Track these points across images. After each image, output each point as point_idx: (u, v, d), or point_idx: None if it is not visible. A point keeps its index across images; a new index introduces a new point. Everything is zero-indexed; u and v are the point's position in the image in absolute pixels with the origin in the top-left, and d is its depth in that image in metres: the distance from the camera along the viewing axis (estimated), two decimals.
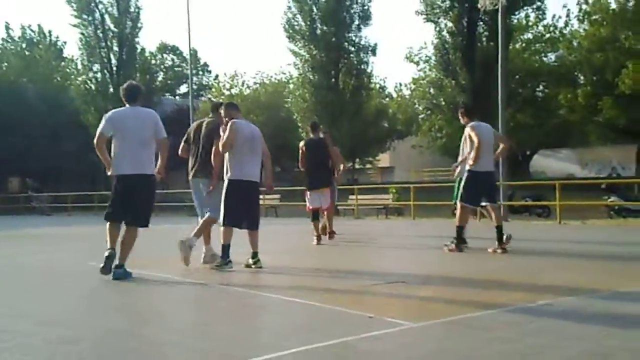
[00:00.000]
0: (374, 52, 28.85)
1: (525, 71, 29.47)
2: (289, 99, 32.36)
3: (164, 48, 55.11)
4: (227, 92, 41.99)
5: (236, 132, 5.98)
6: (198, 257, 6.45)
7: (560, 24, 30.56)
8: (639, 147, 25.51)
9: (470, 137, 7.24)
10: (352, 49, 28.65)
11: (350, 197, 20.47)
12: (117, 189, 5.69)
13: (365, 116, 30.43)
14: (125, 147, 5.66)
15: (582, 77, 26.90)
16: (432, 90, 29.73)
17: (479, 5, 8.55)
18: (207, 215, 6.42)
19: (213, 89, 46.41)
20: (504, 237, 7.24)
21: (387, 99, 40.09)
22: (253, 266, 6.11)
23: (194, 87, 48.34)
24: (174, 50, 55.87)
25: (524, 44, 30.74)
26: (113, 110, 5.92)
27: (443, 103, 26.14)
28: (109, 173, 5.82)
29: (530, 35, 31.00)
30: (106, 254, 5.43)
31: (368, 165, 39.60)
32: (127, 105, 5.84)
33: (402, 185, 23.25)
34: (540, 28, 30.66)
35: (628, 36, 23.38)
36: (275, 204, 22.62)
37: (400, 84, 43.79)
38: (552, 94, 28.61)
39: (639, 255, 7.24)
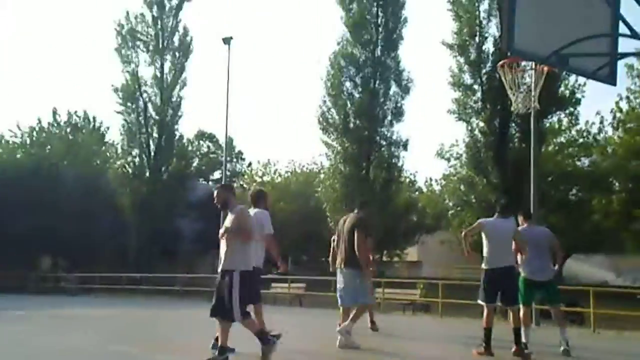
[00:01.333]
0: (405, 147, 29.35)
1: (559, 174, 29.46)
2: (320, 189, 32.80)
3: (201, 135, 57.07)
4: (259, 179, 42.76)
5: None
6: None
7: (594, 129, 30.74)
8: None
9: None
10: (384, 143, 29.22)
11: (377, 290, 20.08)
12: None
13: (394, 209, 30.46)
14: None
15: (617, 184, 26.74)
16: (462, 187, 29.80)
17: (512, 109, 8.78)
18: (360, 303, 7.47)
19: (246, 176, 47.36)
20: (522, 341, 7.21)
21: (417, 193, 40.29)
22: None
23: (228, 173, 49.58)
24: (211, 137, 57.79)
25: (556, 147, 30.94)
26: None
27: (474, 200, 26.13)
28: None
29: (563, 139, 31.26)
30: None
31: (395, 259, 39.14)
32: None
33: (430, 281, 22.83)
34: (573, 132, 30.96)
35: None
36: (301, 292, 22.34)
37: (431, 179, 44.02)
38: (586, 199, 28.38)
39: None
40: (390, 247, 34.94)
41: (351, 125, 28.89)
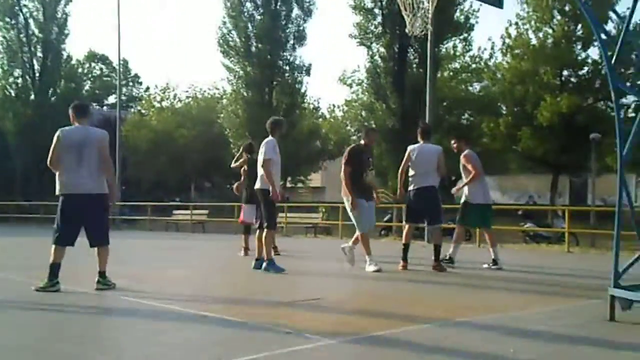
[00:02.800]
0: (308, 72, 29.10)
1: (452, 99, 30.59)
2: (222, 115, 32.05)
3: (92, 57, 53.45)
4: (157, 105, 41.16)
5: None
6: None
7: (486, 55, 31.93)
8: (554, 177, 26.92)
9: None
10: (287, 67, 28.77)
11: (280, 214, 20.37)
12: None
13: (298, 135, 30.49)
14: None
15: (504, 108, 28.21)
16: (363, 113, 30.27)
17: (407, 31, 8.81)
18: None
19: (144, 101, 45.39)
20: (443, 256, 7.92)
21: (320, 119, 40.51)
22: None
23: (123, 98, 47.17)
24: (104, 59, 54.35)
25: (451, 73, 31.94)
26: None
27: (374, 125, 26.66)
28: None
29: (457, 65, 32.28)
30: None
31: (300, 185, 39.74)
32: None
33: (332, 205, 23.43)
34: (467, 59, 32.02)
35: (547, 71, 24.78)
36: (204, 219, 22.20)
37: (334, 105, 44.35)
38: (476, 122, 29.81)
39: (541, 280, 7.58)
40: (294, 173, 35.31)
41: (253, 48, 28.07)
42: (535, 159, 27.19)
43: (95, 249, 5.52)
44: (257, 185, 7.39)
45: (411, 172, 7.76)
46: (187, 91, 43.90)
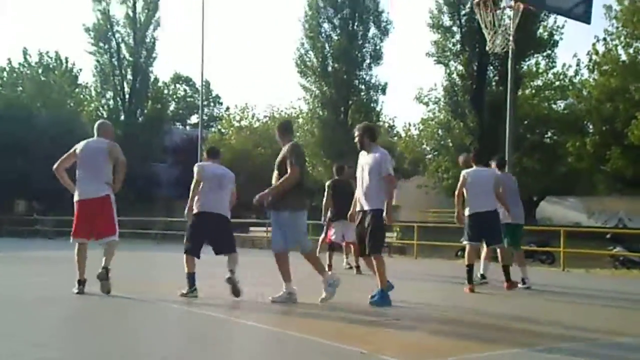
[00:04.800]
0: (383, 91, 29.13)
1: (534, 117, 29.62)
2: (298, 133, 32.61)
3: (177, 78, 55.97)
4: (236, 124, 42.38)
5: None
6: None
7: (570, 72, 30.76)
8: None
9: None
10: (362, 87, 28.93)
11: None
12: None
13: None
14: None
15: (591, 126, 27.01)
16: (440, 132, 29.88)
17: (487, 48, 8.68)
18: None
19: (223, 120, 46.86)
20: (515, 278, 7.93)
21: (396, 138, 40.33)
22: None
23: (205, 117, 48.97)
24: (187, 81, 56.74)
25: (533, 91, 30.98)
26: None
27: (450, 144, 26.23)
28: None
29: (540, 82, 31.28)
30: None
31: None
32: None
33: (406, 224, 23.16)
34: (550, 75, 30.98)
35: (638, 88, 23.54)
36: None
37: (409, 124, 44.00)
38: (561, 142, 28.69)
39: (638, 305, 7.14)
40: None
41: (329, 68, 28.48)
42: (625, 180, 25.79)
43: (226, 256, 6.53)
44: (368, 206, 6.21)
45: (466, 197, 7.82)
46: (265, 110, 45.02)
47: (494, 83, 23.33)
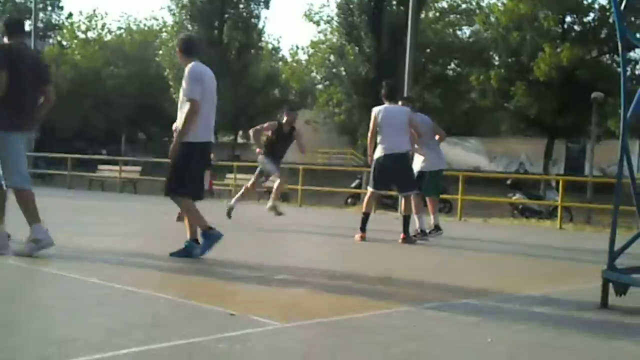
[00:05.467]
0: (266, 5, 28.68)
1: (437, 45, 30.69)
2: (161, 51, 31.38)
3: None
4: (82, 35, 40.03)
5: None
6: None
7: None
8: (548, 141, 27.44)
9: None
10: None
11: (229, 175, 20.33)
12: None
13: (252, 81, 30.25)
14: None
15: (497, 58, 28.46)
16: (332, 58, 30.13)
17: None
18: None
19: (64, 30, 44.04)
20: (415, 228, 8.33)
21: (280, 63, 40.17)
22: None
23: (40, 25, 45.55)
24: None
25: (437, 14, 31.97)
26: (195, 66, 5.90)
27: (344, 73, 26.57)
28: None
29: (445, 4, 32.31)
30: None
31: (253, 141, 39.51)
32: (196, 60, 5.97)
33: (290, 166, 23.42)
34: None
35: (547, 16, 25.00)
36: (135, 177, 21.94)
37: (297, 47, 43.96)
38: (464, 75, 30.04)
39: (527, 261, 7.81)
40: (247, 126, 35.09)
41: None
42: (528, 120, 27.67)
43: None
44: None
45: (379, 137, 8.11)
46: (119, 21, 42.86)
47: (394, 2, 23.74)
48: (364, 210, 8.32)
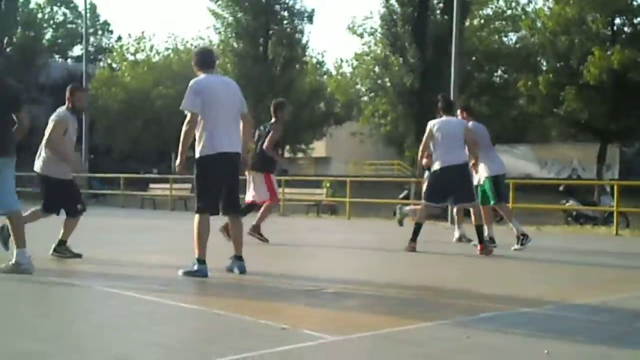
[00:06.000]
0: (310, 20, 28.89)
1: (483, 52, 30.38)
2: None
3: (54, 0, 53.04)
4: (131, 57, 40.98)
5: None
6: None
7: (523, 0, 31.62)
8: (601, 146, 26.79)
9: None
10: (285, 13, 28.56)
11: (278, 190, 20.42)
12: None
13: (297, 95, 30.42)
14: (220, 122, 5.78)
15: (544, 63, 28.01)
16: (376, 69, 30.13)
17: None
18: None
19: (114, 53, 45.20)
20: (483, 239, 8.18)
21: (325, 76, 40.35)
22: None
23: (91, 49, 46.97)
24: (67, 3, 53.91)
25: (482, 20, 31.67)
26: (198, 79, 5.86)
27: (389, 84, 26.54)
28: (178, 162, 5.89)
29: (489, 11, 31.99)
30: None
31: (300, 155, 39.79)
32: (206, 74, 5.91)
33: (337, 179, 23.46)
34: (501, 3, 31.74)
35: (596, 19, 24.52)
36: (186, 194, 22.27)
37: (341, 60, 44.10)
38: (511, 81, 29.65)
39: (582, 269, 7.61)
40: (294, 141, 35.31)
41: None
42: (580, 125, 27.08)
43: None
44: None
45: (436, 150, 8.12)
46: (166, 42, 43.79)
47: (438, 11, 23.63)
48: (416, 220, 8.34)
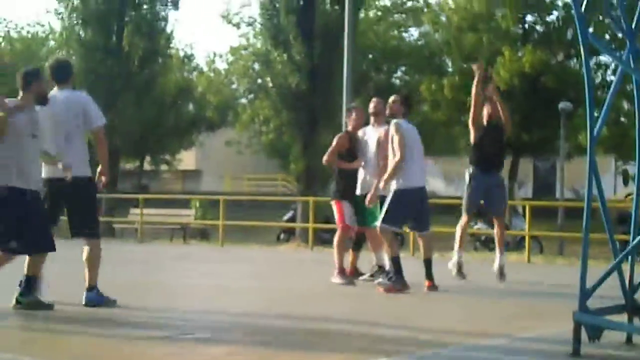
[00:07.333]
0: (175, 5, 28.55)
1: (381, 50, 31.17)
2: (47, 62, 30.83)
3: None
4: None
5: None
6: None
7: None
8: (513, 160, 27.92)
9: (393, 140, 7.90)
10: None
11: (133, 211, 19.98)
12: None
13: (160, 95, 29.94)
14: None
15: (450, 64, 29.06)
16: (256, 66, 30.19)
17: None
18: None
19: None
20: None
21: (194, 72, 39.99)
22: None
23: None
24: None
25: (379, 12, 32.49)
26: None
27: (271, 85, 26.62)
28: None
29: (387, 1, 32.88)
30: None
31: (164, 167, 39.13)
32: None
33: (209, 197, 23.25)
34: None
35: (505, 15, 25.74)
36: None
37: (214, 54, 43.84)
38: (414, 83, 30.54)
39: (491, 301, 7.92)
40: (156, 151, 34.66)
41: None
42: None
43: None
44: None
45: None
46: None
47: (327, 1, 23.98)
48: (392, 255, 7.98)
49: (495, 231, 9.32)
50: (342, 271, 8.65)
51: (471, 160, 9.33)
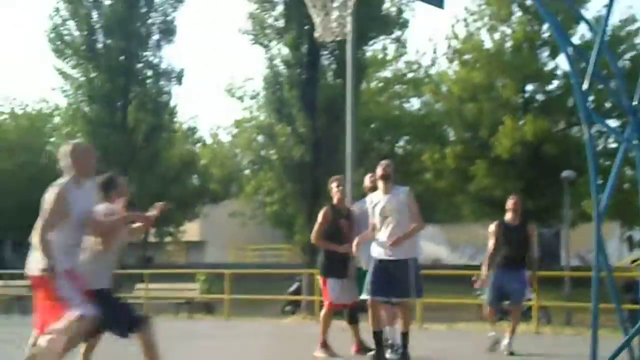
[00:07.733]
0: (179, 80, 29.00)
1: (383, 120, 31.43)
2: (53, 139, 31.11)
3: None
4: None
5: None
6: None
7: (426, 61, 33.21)
8: None
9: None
10: (149, 72, 28.54)
11: (139, 286, 19.86)
12: None
13: (165, 168, 30.14)
14: None
15: (452, 133, 29.28)
16: (260, 138, 30.43)
17: (316, 36, 9.08)
18: None
19: None
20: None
21: (198, 145, 40.34)
22: None
23: None
24: None
25: (380, 84, 32.88)
26: None
27: (275, 157, 26.83)
28: None
29: (388, 74, 33.30)
30: None
31: (168, 239, 39.04)
32: None
33: (214, 271, 23.10)
34: (402, 64, 33.16)
35: (506, 84, 26.05)
36: (23, 294, 21.16)
37: (218, 127, 44.25)
38: (416, 152, 30.72)
39: None
40: (160, 223, 34.70)
41: (99, 45, 27.74)
42: (494, 203, 28.21)
43: None
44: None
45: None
46: (1, 105, 42.42)
47: (330, 73, 24.31)
48: (374, 328, 8.01)
49: (512, 316, 9.73)
50: (324, 345, 8.64)
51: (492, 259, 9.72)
